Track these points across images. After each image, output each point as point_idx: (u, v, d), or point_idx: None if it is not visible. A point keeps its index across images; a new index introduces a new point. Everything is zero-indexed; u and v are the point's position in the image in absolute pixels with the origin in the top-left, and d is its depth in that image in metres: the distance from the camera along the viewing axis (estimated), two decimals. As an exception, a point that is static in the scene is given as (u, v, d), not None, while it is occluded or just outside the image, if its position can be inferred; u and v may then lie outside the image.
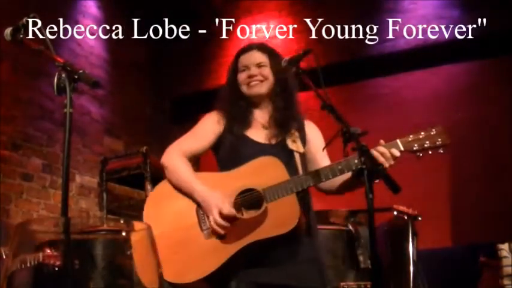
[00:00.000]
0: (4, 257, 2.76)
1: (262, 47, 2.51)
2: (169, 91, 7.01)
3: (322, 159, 2.43)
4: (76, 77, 1.87)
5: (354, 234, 3.77)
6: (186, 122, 7.20)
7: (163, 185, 2.38)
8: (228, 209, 2.19)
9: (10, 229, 4.54)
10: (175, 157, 2.36)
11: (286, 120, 2.41)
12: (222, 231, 2.19)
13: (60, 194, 1.84)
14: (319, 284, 2.31)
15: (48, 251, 1.46)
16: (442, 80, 5.89)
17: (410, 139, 2.22)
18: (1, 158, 4.81)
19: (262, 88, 2.41)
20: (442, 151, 2.21)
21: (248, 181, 2.24)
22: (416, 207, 4.13)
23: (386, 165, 2.15)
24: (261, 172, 2.25)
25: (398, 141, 2.22)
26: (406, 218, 4.06)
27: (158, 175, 4.40)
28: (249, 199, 2.23)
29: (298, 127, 2.43)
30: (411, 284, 3.90)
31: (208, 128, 2.43)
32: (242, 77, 2.43)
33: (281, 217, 2.19)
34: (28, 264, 1.43)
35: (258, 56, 2.45)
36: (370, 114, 5.63)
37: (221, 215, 2.19)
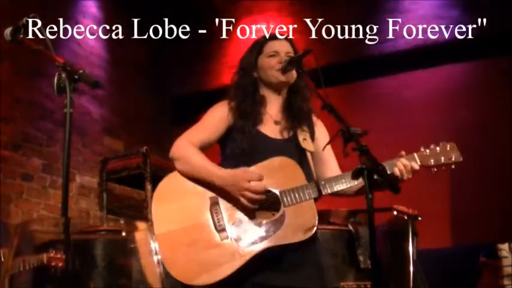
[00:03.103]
0: (3, 259, 2.75)
1: (290, 40, 2.47)
2: (169, 91, 7.01)
3: (330, 159, 2.40)
4: (76, 77, 1.87)
5: (354, 234, 3.77)
6: (186, 122, 7.19)
7: (170, 181, 2.28)
8: (257, 176, 2.14)
9: (10, 229, 4.54)
10: (186, 147, 2.27)
11: (299, 114, 2.37)
12: (261, 197, 2.12)
13: (60, 194, 1.84)
14: (327, 286, 2.30)
15: (53, 252, 1.45)
16: (442, 80, 5.88)
17: (426, 153, 2.25)
18: (1, 158, 4.81)
19: (291, 76, 2.36)
20: (453, 167, 2.25)
21: (264, 182, 2.18)
22: (416, 207, 4.13)
23: (405, 177, 2.18)
24: (278, 173, 2.20)
25: (415, 155, 2.24)
26: (406, 218, 4.06)
27: (158, 175, 4.41)
28: (266, 201, 2.17)
29: (308, 124, 2.40)
30: (411, 284, 3.90)
31: (219, 120, 2.35)
32: (271, 62, 2.36)
33: (300, 224, 2.14)
34: (31, 266, 1.43)
35: (288, 46, 2.42)
36: (370, 114, 5.63)
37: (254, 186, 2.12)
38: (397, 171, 2.18)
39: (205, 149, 2.34)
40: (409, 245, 3.99)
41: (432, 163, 2.24)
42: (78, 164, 5.61)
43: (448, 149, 2.25)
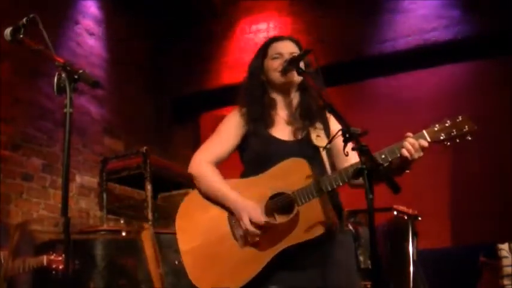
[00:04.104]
0: (3, 261, 2.75)
1: (295, 40, 2.49)
2: (170, 91, 7.01)
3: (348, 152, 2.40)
4: (76, 77, 1.87)
5: (354, 234, 3.77)
6: (186, 121, 7.22)
7: (190, 199, 2.38)
8: (258, 217, 2.18)
9: (10, 229, 4.54)
10: (204, 165, 2.35)
11: (310, 113, 2.38)
12: (255, 239, 2.18)
13: (60, 194, 1.84)
14: (350, 286, 2.29)
15: (53, 255, 1.45)
16: (442, 80, 5.90)
17: (436, 129, 2.17)
18: (1, 158, 4.81)
19: (292, 77, 2.36)
20: (470, 138, 2.17)
21: (278, 185, 2.22)
22: (416, 207, 4.13)
23: (415, 157, 2.12)
24: (290, 174, 2.23)
25: (424, 132, 2.18)
26: (406, 218, 4.07)
27: (158, 175, 4.41)
28: (281, 203, 2.21)
29: (321, 120, 2.40)
30: (411, 284, 3.91)
31: (232, 129, 2.40)
32: (275, 63, 2.38)
33: (313, 220, 2.16)
34: (31, 268, 1.43)
35: (292, 46, 2.43)
36: (371, 114, 5.64)
37: (252, 223, 2.18)
38: (405, 152, 2.12)
39: (223, 160, 2.41)
40: (409, 245, 3.99)
41: (443, 137, 2.16)
42: (78, 164, 5.61)
43: (459, 120, 2.18)
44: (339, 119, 2.06)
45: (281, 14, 6.55)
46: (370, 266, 3.64)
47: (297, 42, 2.46)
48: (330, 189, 2.18)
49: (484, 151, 5.48)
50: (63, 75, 1.86)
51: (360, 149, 1.95)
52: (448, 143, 2.17)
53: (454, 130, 2.16)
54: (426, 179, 5.17)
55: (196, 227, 2.29)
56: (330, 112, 2.11)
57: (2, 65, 4.91)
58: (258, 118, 2.36)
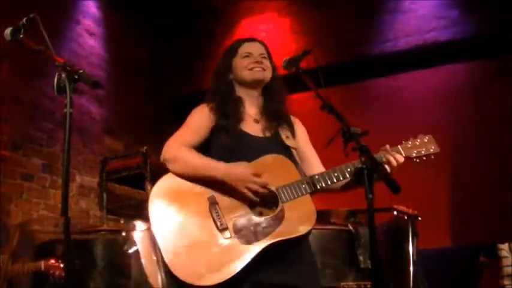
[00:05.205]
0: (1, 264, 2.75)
1: (264, 43, 2.55)
2: (170, 91, 7.01)
3: (313, 157, 2.45)
4: (76, 77, 1.87)
5: (354, 234, 3.77)
6: (186, 122, 7.22)
7: (165, 183, 2.30)
8: (253, 169, 2.18)
9: (10, 229, 4.54)
10: (180, 148, 2.29)
11: (277, 113, 2.42)
12: (265, 191, 2.17)
13: (60, 194, 1.84)
14: (319, 285, 2.32)
15: (51, 260, 1.45)
16: (442, 80, 5.89)
17: (408, 146, 2.34)
18: (1, 158, 4.81)
19: (265, 74, 2.41)
20: (433, 157, 2.37)
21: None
22: (416, 207, 4.13)
23: (395, 169, 2.25)
24: (272, 170, 2.23)
25: (400, 147, 2.33)
26: (406, 218, 4.06)
27: (158, 175, 4.41)
28: (263, 197, 2.20)
29: (287, 123, 2.45)
30: (411, 284, 3.90)
31: (201, 121, 2.39)
32: (245, 62, 2.42)
33: (299, 218, 2.17)
34: (30, 272, 1.43)
35: (261, 48, 2.49)
36: (370, 114, 5.63)
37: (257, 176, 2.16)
38: (387, 163, 2.25)
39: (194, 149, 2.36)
40: (409, 245, 3.99)
41: (415, 154, 2.34)
42: (78, 164, 5.61)
43: (426, 141, 2.38)
44: (339, 119, 2.07)
45: (281, 14, 6.54)
46: (370, 266, 3.64)
47: (265, 46, 2.51)
48: (313, 190, 2.21)
49: (484, 151, 5.48)
50: (63, 75, 1.86)
51: (360, 149, 1.96)
52: (417, 160, 2.37)
53: (424, 149, 2.36)
54: (426, 179, 5.17)
55: (172, 213, 2.21)
56: (329, 112, 2.11)
57: (2, 65, 4.91)
58: (228, 113, 2.36)
